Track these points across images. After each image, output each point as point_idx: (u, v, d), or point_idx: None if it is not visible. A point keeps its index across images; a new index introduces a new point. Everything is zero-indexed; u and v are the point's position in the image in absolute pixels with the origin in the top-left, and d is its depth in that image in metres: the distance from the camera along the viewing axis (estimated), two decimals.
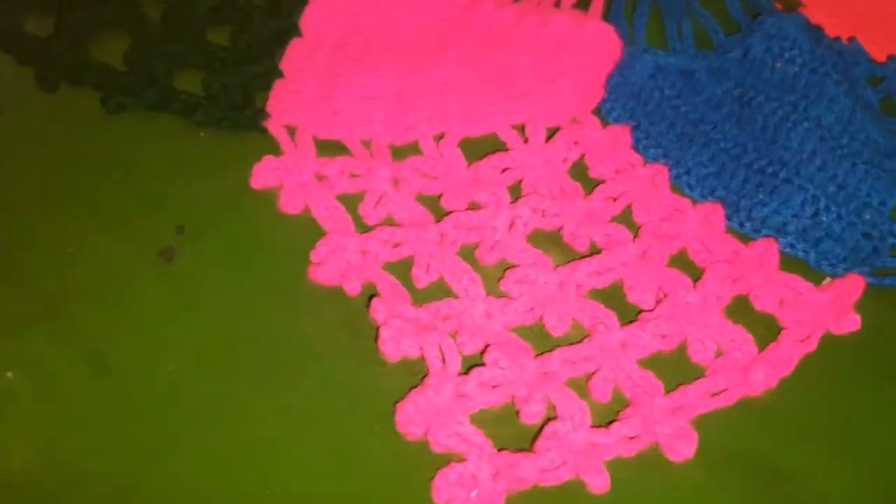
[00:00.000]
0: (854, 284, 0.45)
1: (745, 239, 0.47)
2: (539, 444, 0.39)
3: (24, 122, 0.49)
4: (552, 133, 0.49)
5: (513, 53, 0.51)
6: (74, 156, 0.47)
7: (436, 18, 0.54)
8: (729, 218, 0.47)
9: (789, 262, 0.46)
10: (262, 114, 0.48)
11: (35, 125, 0.49)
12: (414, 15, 0.54)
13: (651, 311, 0.43)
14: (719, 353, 0.43)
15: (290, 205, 0.46)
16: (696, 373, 0.42)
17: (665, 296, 0.44)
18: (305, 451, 0.40)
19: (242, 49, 0.51)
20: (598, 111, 0.51)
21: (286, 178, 0.46)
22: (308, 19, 0.52)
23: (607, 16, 0.54)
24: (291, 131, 0.48)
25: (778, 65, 0.52)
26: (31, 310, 0.42)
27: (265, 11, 0.52)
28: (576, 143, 0.49)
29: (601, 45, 0.51)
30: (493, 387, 0.40)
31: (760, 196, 0.48)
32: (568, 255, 0.46)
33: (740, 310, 0.44)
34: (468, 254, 0.45)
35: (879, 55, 0.55)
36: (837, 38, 0.54)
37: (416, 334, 0.41)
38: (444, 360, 0.41)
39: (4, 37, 0.51)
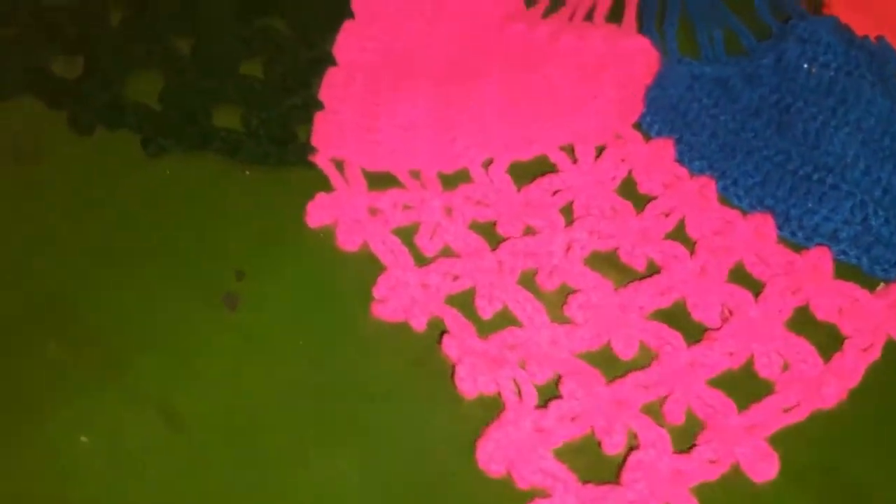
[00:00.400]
0: None
1: (797, 248, 0.47)
2: (626, 475, 0.39)
3: (64, 170, 0.47)
4: (598, 151, 0.49)
5: (552, 72, 0.51)
6: (120, 202, 0.46)
7: (468, 39, 0.53)
8: (780, 227, 0.47)
9: (841, 269, 0.46)
10: (307, 148, 0.48)
11: (75, 172, 0.47)
12: (446, 36, 0.53)
13: (717, 329, 0.43)
14: (785, 367, 0.43)
15: (348, 242, 0.45)
16: (763, 388, 0.43)
17: (730, 312, 0.44)
18: (387, 496, 0.39)
19: (278, 81, 0.50)
20: (638, 125, 0.51)
21: (341, 214, 0.46)
22: (341, 47, 0.51)
23: (641, 28, 0.54)
24: (338, 164, 0.48)
25: (813, 69, 0.52)
26: (98, 368, 0.41)
27: (297, 41, 0.51)
28: (622, 160, 0.49)
29: (640, 59, 0.51)
30: (572, 419, 0.40)
31: (809, 204, 0.48)
32: (625, 275, 0.46)
33: (800, 320, 0.44)
34: (527, 280, 0.45)
35: None
36: (866, 38, 0.54)
37: (491, 370, 0.41)
38: (520, 395, 0.41)
39: (33, 80, 0.50)
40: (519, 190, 0.47)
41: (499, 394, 0.41)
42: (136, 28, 0.51)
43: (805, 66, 0.52)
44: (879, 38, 0.55)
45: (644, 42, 0.52)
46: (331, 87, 0.50)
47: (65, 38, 0.51)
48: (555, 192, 0.48)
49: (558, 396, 0.41)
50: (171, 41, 0.51)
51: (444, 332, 0.43)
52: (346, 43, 0.52)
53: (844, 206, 0.48)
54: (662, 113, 0.51)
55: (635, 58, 0.51)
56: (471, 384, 0.41)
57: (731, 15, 0.56)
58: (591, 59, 0.51)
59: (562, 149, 0.49)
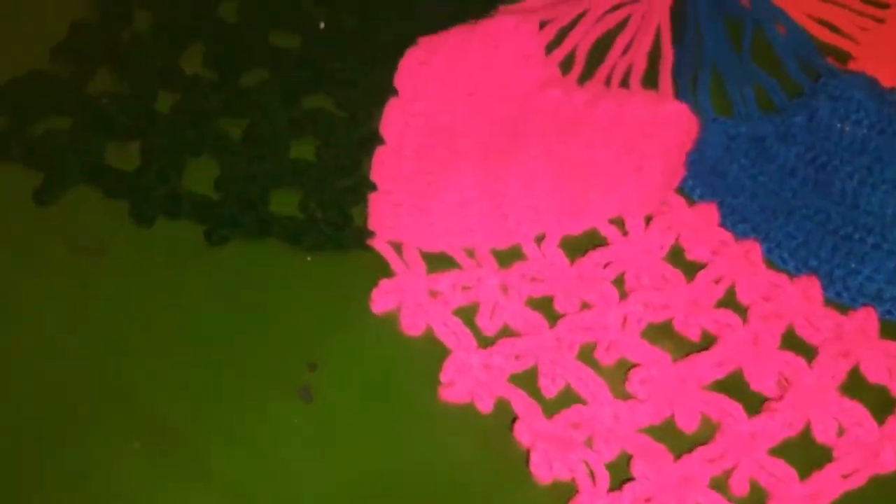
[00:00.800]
0: None
1: (844, 309, 0.48)
2: None
3: (127, 261, 0.48)
4: (646, 220, 0.50)
5: (593, 141, 0.52)
6: (185, 292, 0.47)
7: (508, 109, 0.54)
8: (825, 289, 0.48)
9: (887, 329, 0.47)
10: (365, 233, 0.49)
11: (138, 262, 0.48)
12: (486, 108, 0.54)
13: (778, 399, 0.44)
14: (841, 432, 0.44)
15: (412, 327, 0.46)
16: (820, 453, 0.44)
17: (787, 381, 0.45)
18: None
19: (330, 162, 0.51)
20: (680, 189, 0.52)
21: (403, 299, 0.47)
22: (387, 125, 0.52)
23: (676, 91, 0.55)
24: (396, 246, 0.49)
25: (846, 128, 0.53)
26: (176, 463, 0.42)
27: (345, 121, 0.52)
28: (669, 227, 0.50)
29: (679, 125, 0.52)
30: (646, 500, 0.41)
31: (852, 264, 0.49)
32: (680, 346, 0.47)
33: (851, 383, 0.45)
34: (586, 355, 0.46)
35: None
36: (894, 91, 0.56)
37: (564, 453, 0.42)
38: (593, 478, 0.42)
39: (89, 170, 0.51)
40: (572, 264, 0.49)
41: (573, 478, 0.42)
42: (186, 113, 0.52)
43: (838, 125, 0.53)
44: None
45: (683, 108, 0.53)
46: (381, 167, 0.51)
47: (117, 127, 0.52)
48: (606, 265, 0.49)
49: (628, 476, 0.42)
50: (220, 125, 0.52)
51: (510, 411, 0.44)
52: (392, 121, 0.53)
53: (887, 266, 0.49)
54: (702, 176, 0.52)
55: (675, 124, 0.52)
56: (546, 471, 0.42)
57: (761, 72, 0.57)
58: (632, 128, 0.52)
59: (610, 221, 0.50)
